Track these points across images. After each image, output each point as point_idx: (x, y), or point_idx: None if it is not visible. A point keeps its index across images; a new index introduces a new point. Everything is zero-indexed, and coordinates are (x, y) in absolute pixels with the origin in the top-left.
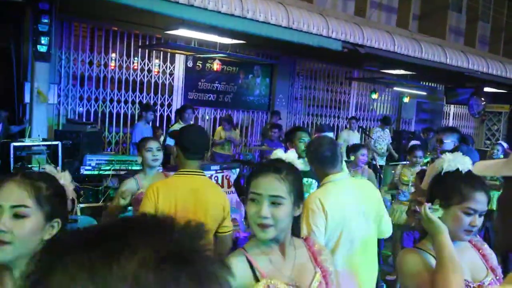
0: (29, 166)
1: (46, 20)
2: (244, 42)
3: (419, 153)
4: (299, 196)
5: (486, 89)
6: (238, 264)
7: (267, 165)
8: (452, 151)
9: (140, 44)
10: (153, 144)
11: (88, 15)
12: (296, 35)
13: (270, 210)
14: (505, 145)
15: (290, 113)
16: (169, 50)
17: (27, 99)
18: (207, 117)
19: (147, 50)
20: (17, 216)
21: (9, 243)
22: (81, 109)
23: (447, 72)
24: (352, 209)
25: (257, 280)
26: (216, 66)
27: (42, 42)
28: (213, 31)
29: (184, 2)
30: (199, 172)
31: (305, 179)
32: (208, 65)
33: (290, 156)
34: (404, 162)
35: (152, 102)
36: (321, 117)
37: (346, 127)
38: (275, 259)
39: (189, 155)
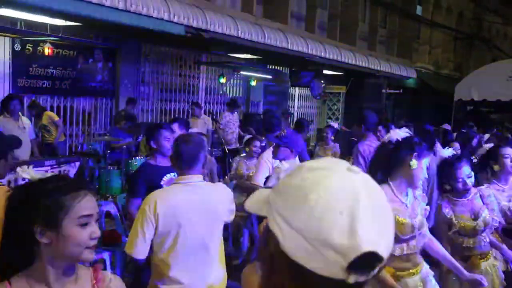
0: None
1: None
2: (80, 24)
3: (257, 143)
4: None
5: (325, 72)
6: None
7: (77, 182)
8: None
9: None
10: None
11: None
12: (135, 19)
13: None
14: (336, 125)
15: (138, 98)
16: None
17: None
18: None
19: None
20: None
21: None
22: None
23: (290, 56)
24: (194, 213)
25: None
26: (47, 50)
27: None
28: (42, 11)
29: None
30: None
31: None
32: (39, 48)
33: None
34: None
35: None
36: (172, 102)
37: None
38: None
39: None
